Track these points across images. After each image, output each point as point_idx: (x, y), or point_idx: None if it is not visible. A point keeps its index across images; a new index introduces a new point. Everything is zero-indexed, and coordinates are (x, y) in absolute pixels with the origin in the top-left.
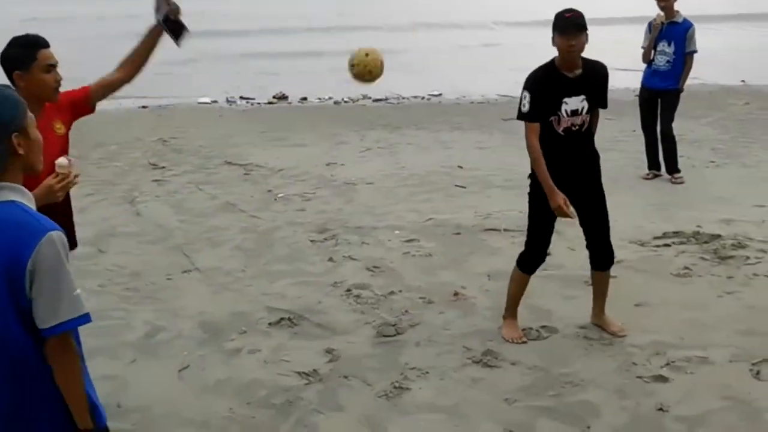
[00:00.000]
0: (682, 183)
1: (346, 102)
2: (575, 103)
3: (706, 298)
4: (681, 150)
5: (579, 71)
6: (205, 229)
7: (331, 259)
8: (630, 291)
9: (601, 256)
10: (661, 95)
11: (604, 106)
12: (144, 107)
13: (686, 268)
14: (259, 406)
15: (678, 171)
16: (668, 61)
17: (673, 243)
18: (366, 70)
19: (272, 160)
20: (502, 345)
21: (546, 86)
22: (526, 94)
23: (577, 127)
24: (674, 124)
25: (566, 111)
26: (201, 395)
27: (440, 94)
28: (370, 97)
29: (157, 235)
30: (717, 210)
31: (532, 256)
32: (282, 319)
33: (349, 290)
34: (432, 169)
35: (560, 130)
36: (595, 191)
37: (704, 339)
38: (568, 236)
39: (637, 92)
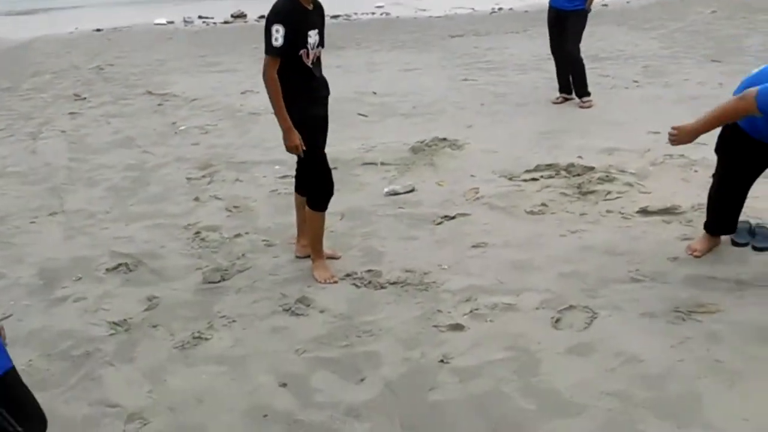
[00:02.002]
0: (590, 107)
1: None
2: (314, 36)
3: (548, 237)
4: (612, 68)
5: (311, 5)
6: (91, 167)
7: (197, 199)
8: (475, 230)
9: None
10: (568, 16)
11: (323, 44)
12: (99, 30)
13: (543, 204)
14: (58, 358)
15: (588, 94)
16: None
17: (542, 177)
18: None
19: (191, 89)
20: (319, 291)
21: (295, 19)
22: (279, 28)
23: (316, 60)
24: (620, 38)
25: (311, 44)
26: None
27: (389, 14)
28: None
29: (41, 174)
30: (608, 138)
31: (328, 188)
32: (120, 264)
33: (197, 233)
34: (344, 96)
35: (309, 63)
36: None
37: (523, 283)
38: (439, 170)
39: None
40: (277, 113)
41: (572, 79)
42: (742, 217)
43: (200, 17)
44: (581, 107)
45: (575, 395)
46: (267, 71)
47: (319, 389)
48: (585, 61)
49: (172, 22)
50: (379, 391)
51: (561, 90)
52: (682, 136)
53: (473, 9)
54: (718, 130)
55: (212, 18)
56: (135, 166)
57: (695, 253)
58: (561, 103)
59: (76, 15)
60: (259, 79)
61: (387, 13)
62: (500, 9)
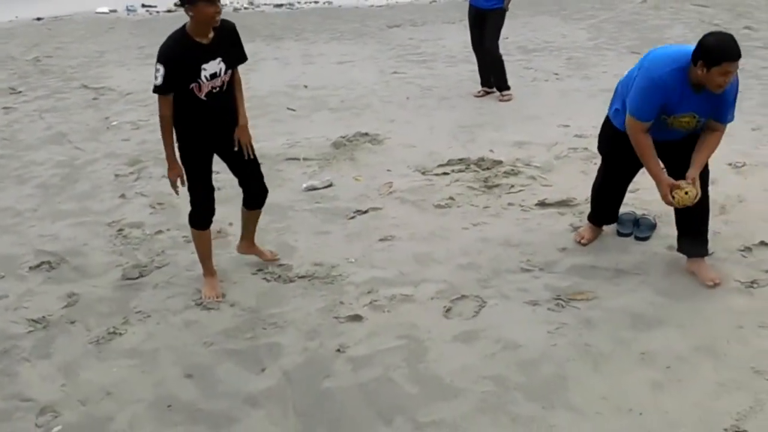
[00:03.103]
0: (509, 100)
1: (246, 8)
2: (213, 66)
3: (451, 230)
4: (537, 60)
5: (211, 35)
6: (22, 164)
7: (122, 196)
8: (384, 224)
9: (258, 194)
10: (487, 14)
11: (243, 59)
12: (39, 19)
13: (450, 198)
14: None
15: (507, 88)
16: None
17: (452, 171)
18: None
19: (126, 83)
20: (231, 286)
21: (182, 57)
22: (160, 67)
23: (217, 89)
24: (551, 29)
25: (206, 76)
26: None
27: (331, 3)
28: (270, 4)
29: None
30: (520, 131)
31: (200, 213)
32: (43, 262)
33: (121, 230)
34: (276, 89)
35: (202, 96)
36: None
37: (423, 275)
38: (358, 165)
39: None
40: (164, 144)
41: (492, 74)
42: (628, 209)
43: (143, 5)
44: (500, 101)
45: (455, 380)
46: (160, 109)
47: (222, 380)
48: (514, 53)
49: (114, 11)
50: (277, 381)
51: (483, 84)
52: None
53: None
54: (597, 130)
55: (155, 6)
56: (65, 163)
57: (582, 241)
58: (482, 96)
59: (17, 2)
60: None
61: (329, 2)
62: None
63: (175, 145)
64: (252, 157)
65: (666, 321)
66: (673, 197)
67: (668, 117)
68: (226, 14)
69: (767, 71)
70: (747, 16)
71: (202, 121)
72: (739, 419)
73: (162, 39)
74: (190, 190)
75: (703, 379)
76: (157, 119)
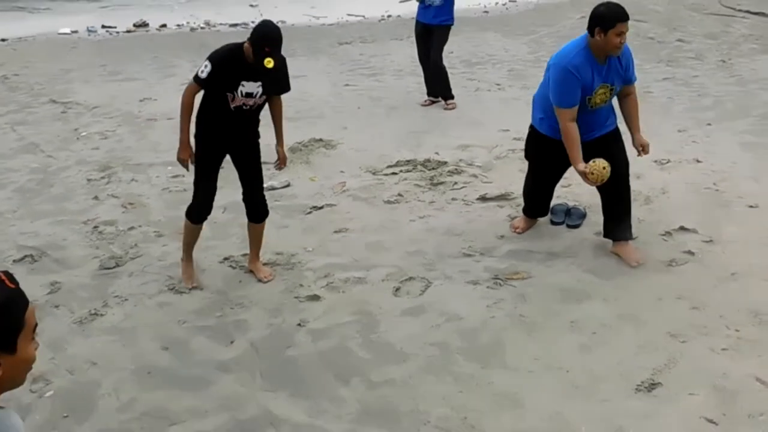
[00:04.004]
0: (453, 108)
1: (202, 28)
2: (252, 87)
3: (400, 222)
4: (480, 72)
5: (259, 62)
6: None
7: (95, 198)
8: (339, 218)
9: (255, 211)
10: (434, 29)
11: (287, 89)
12: (3, 40)
13: (399, 194)
14: None
15: (452, 97)
16: None
17: (401, 171)
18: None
19: (93, 98)
20: (200, 273)
21: (229, 67)
22: (208, 64)
23: (248, 107)
24: (494, 44)
25: (242, 92)
26: None
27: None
28: (225, 23)
29: None
30: (464, 136)
31: (199, 208)
32: (26, 256)
33: (96, 227)
34: None
35: (232, 107)
36: (253, 160)
37: (374, 261)
38: (314, 167)
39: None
40: (180, 126)
41: (437, 85)
42: (561, 201)
43: (103, 26)
44: (445, 109)
45: (405, 346)
46: (186, 91)
47: (196, 351)
48: (459, 66)
49: (76, 32)
50: (245, 351)
51: (429, 94)
52: None
53: (364, 17)
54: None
55: (115, 27)
56: (39, 170)
57: (517, 230)
58: (428, 105)
59: None
60: (158, 88)
61: (283, 21)
62: (389, 16)
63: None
64: (260, 173)
65: (593, 295)
66: (593, 173)
67: (589, 97)
68: (182, 34)
69: (696, 80)
70: (680, 29)
71: (224, 128)
72: (654, 374)
73: (123, 57)
74: (195, 184)
75: (625, 342)
76: (122, 130)
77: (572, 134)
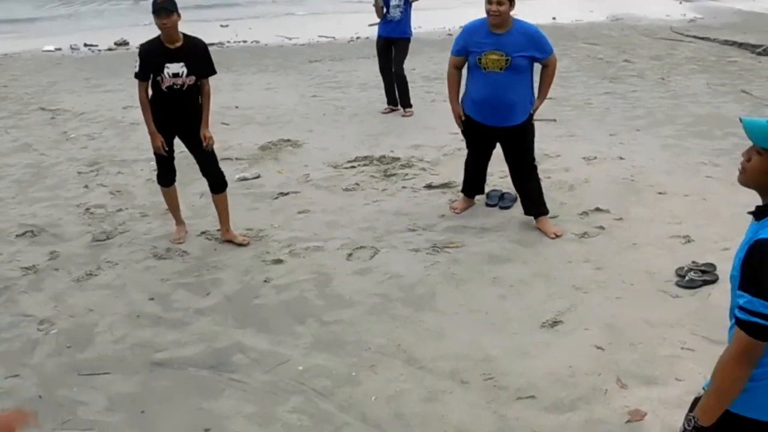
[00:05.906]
0: (411, 115)
1: None
2: (176, 67)
3: (355, 206)
4: (437, 86)
5: (179, 43)
6: None
7: (86, 186)
8: (302, 202)
9: (213, 181)
10: (395, 42)
11: (211, 72)
12: None
13: (356, 183)
14: None
15: (410, 106)
16: (401, 12)
17: (359, 165)
18: None
19: (79, 106)
20: (184, 244)
21: (151, 54)
22: (137, 58)
23: (179, 86)
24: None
25: (168, 73)
26: None
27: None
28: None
29: None
30: (417, 138)
31: (162, 174)
32: (27, 231)
33: (88, 209)
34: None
35: (164, 88)
36: (195, 135)
37: (331, 234)
38: (281, 162)
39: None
40: (145, 120)
41: (398, 94)
42: (496, 188)
43: (86, 45)
44: (403, 116)
45: (353, 296)
46: (138, 91)
47: (177, 300)
48: (418, 81)
49: (59, 49)
50: (219, 300)
51: (389, 102)
52: None
53: (334, 38)
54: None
55: (97, 45)
56: (34, 165)
57: (455, 210)
58: (388, 113)
59: None
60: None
61: (256, 41)
62: (358, 38)
63: None
64: (210, 150)
65: (514, 259)
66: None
67: (480, 55)
68: None
69: (634, 94)
70: (629, 52)
71: (162, 107)
72: (557, 315)
73: (106, 72)
74: (155, 157)
75: (537, 293)
76: (108, 133)
77: (452, 78)
